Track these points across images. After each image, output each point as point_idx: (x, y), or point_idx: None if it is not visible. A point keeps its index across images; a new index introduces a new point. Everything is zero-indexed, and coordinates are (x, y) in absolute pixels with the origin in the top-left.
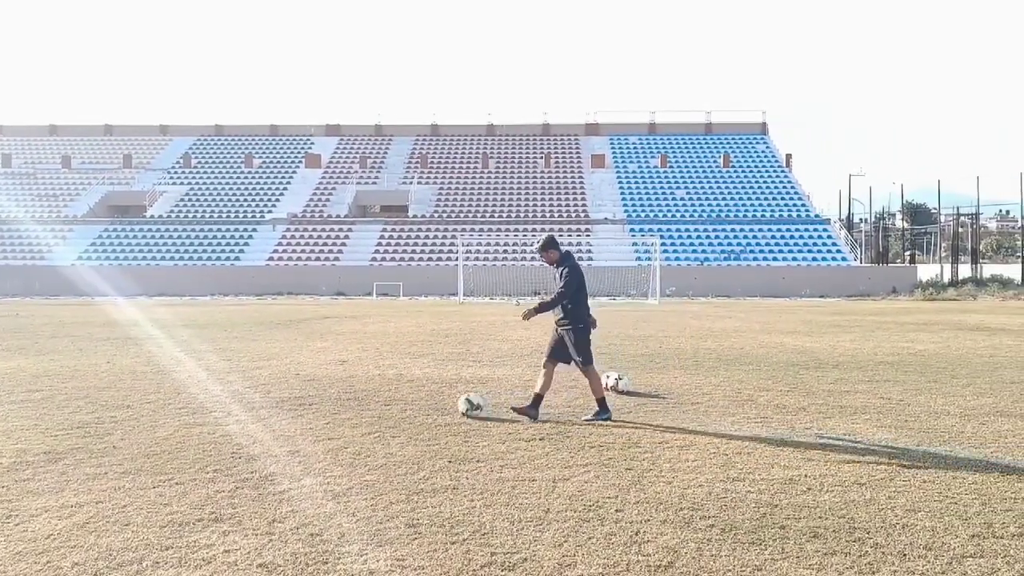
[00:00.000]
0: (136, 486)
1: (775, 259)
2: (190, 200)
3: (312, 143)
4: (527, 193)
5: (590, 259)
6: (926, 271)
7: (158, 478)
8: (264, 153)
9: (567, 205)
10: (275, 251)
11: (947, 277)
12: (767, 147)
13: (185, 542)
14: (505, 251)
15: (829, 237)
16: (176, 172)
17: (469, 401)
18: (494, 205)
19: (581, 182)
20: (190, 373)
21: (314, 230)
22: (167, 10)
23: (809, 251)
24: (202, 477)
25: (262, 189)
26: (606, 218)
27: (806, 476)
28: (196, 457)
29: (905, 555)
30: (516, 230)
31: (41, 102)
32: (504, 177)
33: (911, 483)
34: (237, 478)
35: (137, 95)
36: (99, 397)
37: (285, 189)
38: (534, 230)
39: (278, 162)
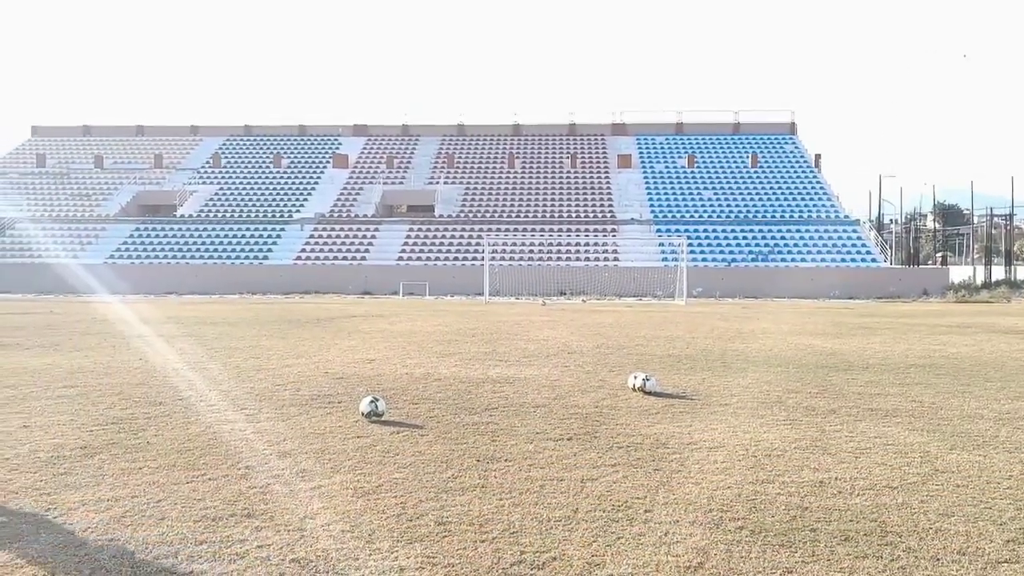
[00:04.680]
0: (170, 481)
1: (803, 260)
2: (219, 199)
3: (340, 143)
4: (553, 193)
5: (616, 259)
6: (958, 273)
7: (191, 473)
8: (292, 153)
9: (593, 205)
10: (303, 250)
11: (980, 279)
12: (796, 147)
13: (219, 537)
14: (531, 251)
15: (859, 238)
16: (206, 172)
17: (375, 404)
18: (520, 205)
19: (608, 182)
20: (221, 370)
21: (341, 229)
22: (199, 11)
23: (838, 252)
24: (234, 473)
25: (290, 189)
26: (633, 218)
27: (837, 479)
28: (228, 453)
29: (938, 560)
30: (542, 230)
31: (75, 103)
32: (530, 177)
33: (944, 487)
34: (269, 474)
35: (168, 96)
36: (132, 393)
37: (313, 189)
38: (560, 230)
39: (306, 162)
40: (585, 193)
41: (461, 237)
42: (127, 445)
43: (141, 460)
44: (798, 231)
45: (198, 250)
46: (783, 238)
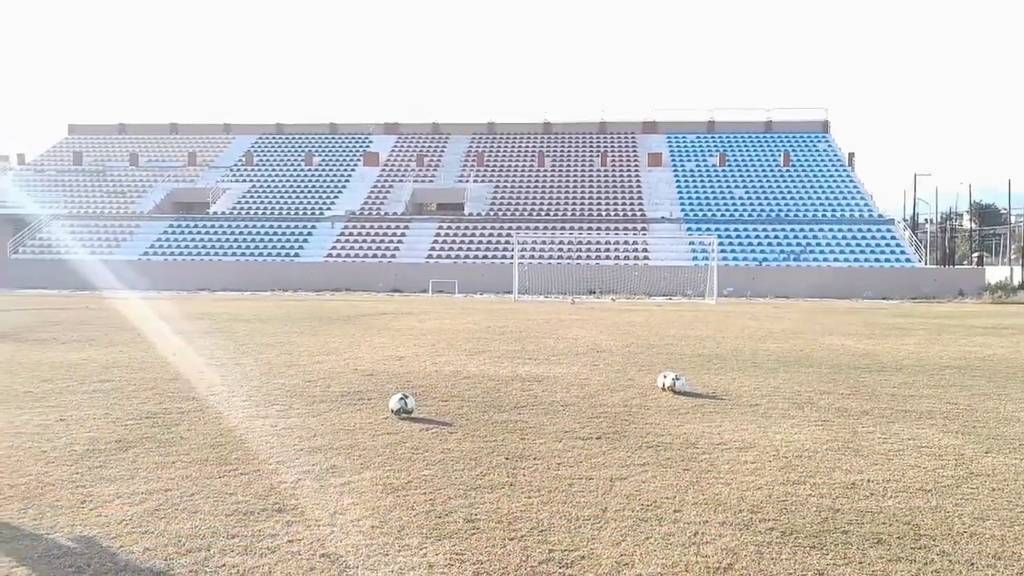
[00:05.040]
0: (203, 475)
1: (836, 260)
2: (252, 197)
3: (370, 141)
4: (583, 191)
5: (646, 258)
6: (995, 273)
7: (224, 468)
8: (324, 151)
9: (623, 204)
10: (333, 248)
11: (1017, 280)
12: (829, 146)
13: (250, 531)
14: (560, 249)
15: (893, 238)
16: (238, 170)
17: (404, 401)
18: (550, 203)
19: (638, 180)
20: (252, 366)
21: (371, 227)
22: (233, 11)
23: (872, 252)
24: (265, 468)
25: (321, 186)
26: (663, 217)
27: (869, 481)
28: (259, 448)
29: (973, 564)
30: (572, 228)
31: (111, 102)
32: (560, 175)
33: (979, 490)
34: (299, 470)
35: (201, 95)
36: (166, 388)
37: (344, 187)
38: (590, 229)
39: (337, 160)
40: (615, 191)
41: (491, 235)
42: (161, 439)
43: (174, 454)
44: (831, 230)
45: (230, 247)
46: (815, 237)
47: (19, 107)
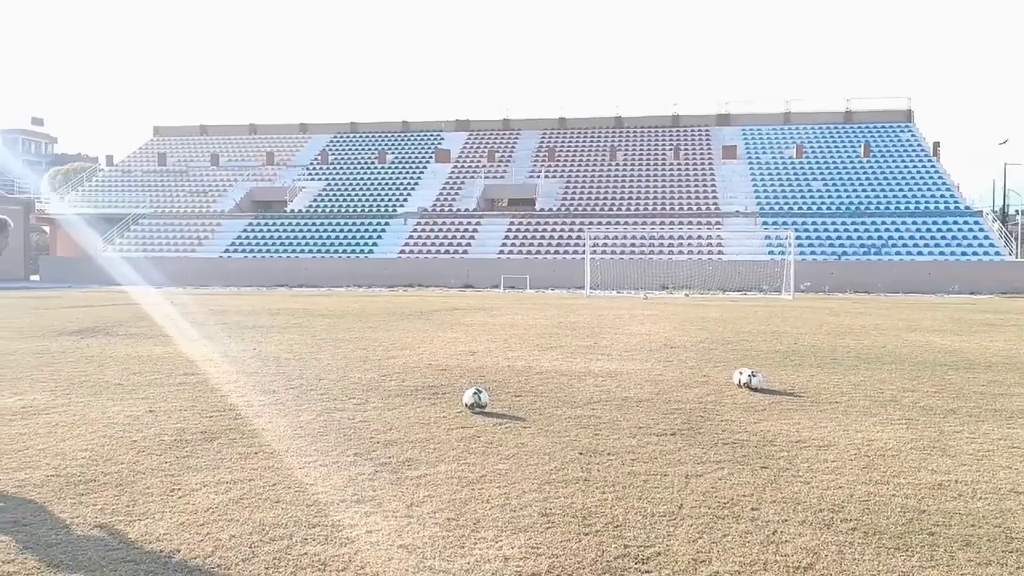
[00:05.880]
0: (284, 466)
1: (920, 253)
2: (327, 195)
3: (442, 138)
4: (655, 186)
5: (720, 253)
6: None
7: (303, 459)
8: (396, 149)
9: (697, 198)
10: (406, 244)
11: None
12: (912, 135)
13: (330, 521)
14: (632, 245)
15: (981, 230)
16: (314, 168)
17: (478, 396)
18: (622, 198)
19: (712, 174)
20: (329, 361)
21: (443, 223)
22: (306, 14)
23: (958, 245)
24: (344, 460)
25: (394, 184)
26: (737, 211)
27: (957, 482)
28: (337, 441)
29: None
30: (644, 223)
31: (193, 104)
32: (632, 170)
33: None
34: (376, 462)
35: (279, 95)
36: (247, 382)
37: (416, 184)
38: (662, 223)
39: (409, 157)
40: (688, 185)
41: (562, 231)
42: (243, 431)
43: (256, 445)
44: (914, 223)
45: (307, 244)
46: (897, 231)
47: (108, 111)
